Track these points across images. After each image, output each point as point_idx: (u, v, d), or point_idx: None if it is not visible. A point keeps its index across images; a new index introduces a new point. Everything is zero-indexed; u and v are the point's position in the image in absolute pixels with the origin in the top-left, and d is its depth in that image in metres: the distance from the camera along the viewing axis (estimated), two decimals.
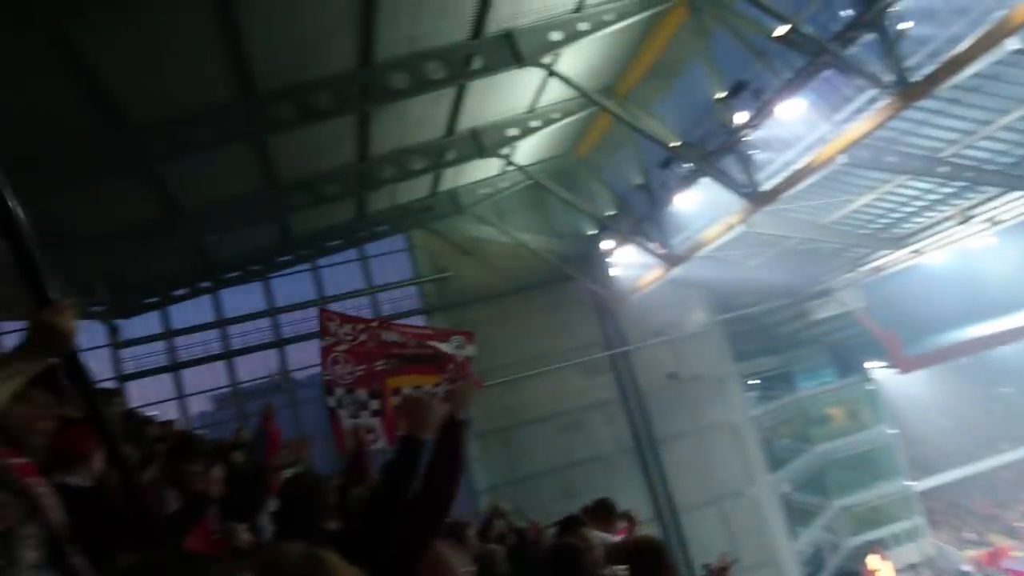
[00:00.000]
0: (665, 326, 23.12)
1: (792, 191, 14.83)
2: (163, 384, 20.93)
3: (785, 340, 30.41)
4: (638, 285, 20.91)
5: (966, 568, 27.60)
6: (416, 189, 19.88)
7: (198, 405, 22.32)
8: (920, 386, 35.98)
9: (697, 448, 23.08)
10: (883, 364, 31.20)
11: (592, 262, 22.11)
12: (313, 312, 21.15)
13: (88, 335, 20.31)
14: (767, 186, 15.12)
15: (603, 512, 6.50)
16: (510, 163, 18.88)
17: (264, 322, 21.67)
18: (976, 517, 31.48)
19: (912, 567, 28.85)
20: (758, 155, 15.19)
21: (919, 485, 30.90)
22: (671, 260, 18.96)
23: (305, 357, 21.58)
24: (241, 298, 21.68)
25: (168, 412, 19.50)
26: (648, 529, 20.90)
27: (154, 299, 20.59)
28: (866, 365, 31.92)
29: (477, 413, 18.98)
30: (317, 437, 8.17)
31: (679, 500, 22.48)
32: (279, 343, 21.58)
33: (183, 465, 4.16)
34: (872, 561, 26.52)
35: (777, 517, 25.39)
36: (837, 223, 22.37)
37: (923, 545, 29.92)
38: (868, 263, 24.66)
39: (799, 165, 14.46)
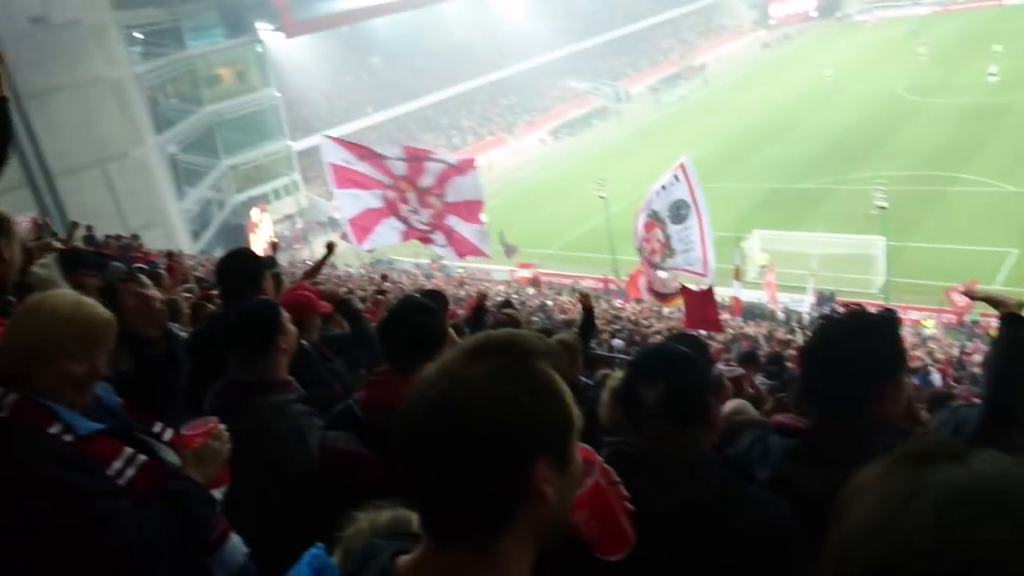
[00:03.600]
0: None
1: None
2: None
3: None
4: None
5: (335, 215, 31.74)
6: None
7: None
8: (304, 51, 37.84)
9: (75, 105, 20.74)
10: (272, 27, 31.66)
11: None
12: None
13: None
14: None
15: None
16: None
17: None
18: None
19: (288, 217, 32.16)
20: None
21: (297, 145, 33.62)
22: None
23: None
24: None
25: None
26: (19, 196, 18.62)
27: None
28: (256, 26, 31.92)
29: None
30: None
31: (54, 163, 20.36)
32: None
33: None
34: (254, 214, 28.59)
35: (165, 178, 25.23)
36: None
37: (299, 198, 33.39)
38: None
39: None
